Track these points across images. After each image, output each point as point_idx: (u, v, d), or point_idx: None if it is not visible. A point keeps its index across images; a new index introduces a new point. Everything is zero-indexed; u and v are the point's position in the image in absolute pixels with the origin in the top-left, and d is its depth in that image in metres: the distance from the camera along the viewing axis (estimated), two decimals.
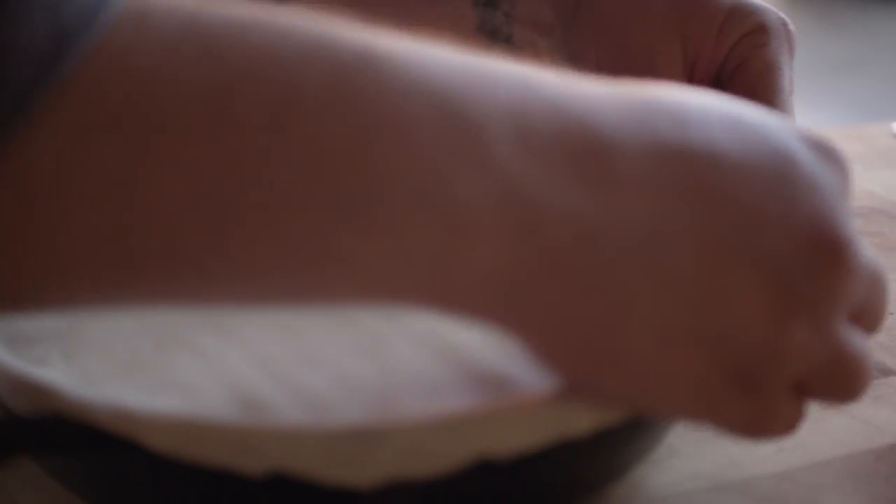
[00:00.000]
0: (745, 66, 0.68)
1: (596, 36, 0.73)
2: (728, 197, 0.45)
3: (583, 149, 0.43)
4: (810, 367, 0.46)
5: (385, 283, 0.42)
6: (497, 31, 0.74)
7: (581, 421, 0.47)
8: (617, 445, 0.51)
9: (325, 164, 0.40)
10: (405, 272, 0.42)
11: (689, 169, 0.45)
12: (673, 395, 0.46)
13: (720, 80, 0.70)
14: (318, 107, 0.40)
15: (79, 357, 0.52)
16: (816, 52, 4.22)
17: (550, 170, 0.42)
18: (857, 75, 4.72)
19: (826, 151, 0.48)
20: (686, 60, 0.70)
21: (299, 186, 0.39)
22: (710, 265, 0.44)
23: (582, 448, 0.48)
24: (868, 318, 0.49)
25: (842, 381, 0.48)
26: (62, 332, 0.54)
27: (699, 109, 0.46)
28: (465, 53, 0.44)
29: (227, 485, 0.45)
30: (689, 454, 0.57)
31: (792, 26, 0.71)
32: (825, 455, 0.57)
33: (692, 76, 0.70)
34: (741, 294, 0.45)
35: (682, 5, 0.70)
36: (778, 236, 0.45)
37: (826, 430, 0.59)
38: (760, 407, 0.46)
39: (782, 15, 0.71)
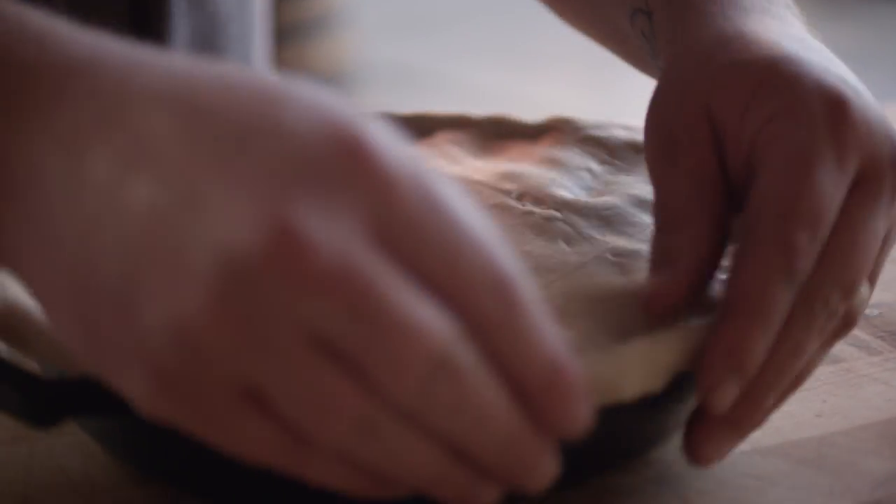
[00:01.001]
0: (764, 165, 0.52)
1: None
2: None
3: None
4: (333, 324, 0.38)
5: None
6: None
7: (626, 387, 0.48)
8: (657, 411, 0.52)
9: None
10: None
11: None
12: (80, 353, 0.42)
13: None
14: None
15: None
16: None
17: None
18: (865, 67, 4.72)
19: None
20: (715, 139, 0.54)
21: None
22: None
23: (627, 413, 0.49)
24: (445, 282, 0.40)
25: (378, 348, 0.39)
26: None
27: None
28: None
29: None
30: None
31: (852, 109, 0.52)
32: (863, 420, 0.58)
33: (723, 161, 0.54)
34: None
35: (707, 69, 0.56)
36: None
37: (863, 397, 0.60)
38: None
39: (832, 85, 0.52)
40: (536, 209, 0.63)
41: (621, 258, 0.57)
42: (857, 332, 0.59)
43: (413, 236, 0.39)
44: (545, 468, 0.43)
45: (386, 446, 0.40)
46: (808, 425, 0.57)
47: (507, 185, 0.66)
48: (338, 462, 0.41)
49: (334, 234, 0.38)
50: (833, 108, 0.51)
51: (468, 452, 0.41)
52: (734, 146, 0.53)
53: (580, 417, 0.42)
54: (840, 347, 0.60)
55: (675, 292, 0.50)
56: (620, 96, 2.84)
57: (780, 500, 0.52)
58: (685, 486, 0.53)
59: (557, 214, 0.62)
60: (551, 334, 0.41)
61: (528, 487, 0.43)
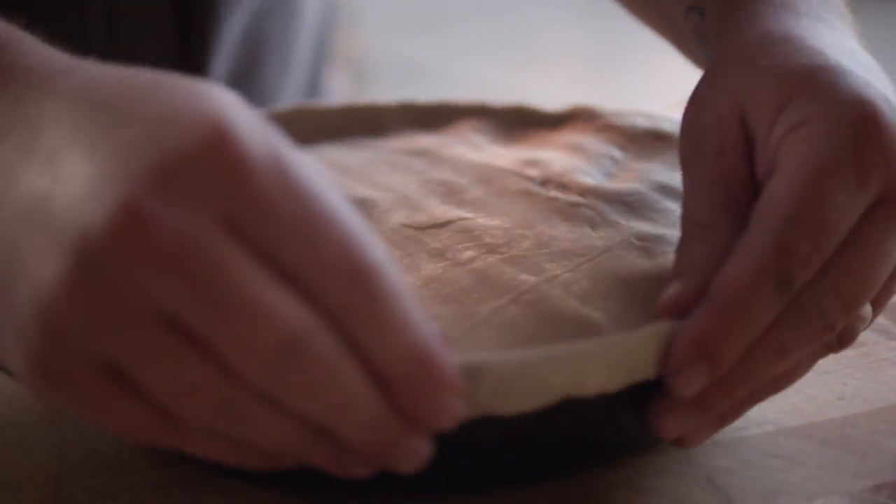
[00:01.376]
0: (780, 167, 0.50)
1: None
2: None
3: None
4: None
5: None
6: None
7: (653, 366, 0.48)
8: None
9: None
10: None
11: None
12: None
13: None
14: None
15: None
16: None
17: None
18: None
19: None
20: (747, 144, 0.53)
21: None
22: None
23: (653, 393, 0.50)
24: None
25: (226, 330, 0.39)
26: None
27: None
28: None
29: None
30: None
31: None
32: (884, 402, 0.59)
33: (752, 168, 0.53)
34: None
35: (747, 70, 0.54)
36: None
37: (884, 380, 0.61)
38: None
39: (869, 99, 0.50)
40: (561, 195, 0.64)
41: (646, 242, 0.58)
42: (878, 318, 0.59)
43: (267, 222, 0.40)
44: (414, 451, 0.43)
45: (251, 424, 0.41)
46: (831, 407, 0.58)
47: (531, 172, 0.67)
48: (213, 438, 0.42)
49: (182, 215, 0.39)
50: (864, 121, 0.49)
51: (332, 432, 0.42)
52: (763, 152, 0.51)
53: (447, 411, 0.42)
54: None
55: (688, 303, 0.49)
56: (632, 91, 2.85)
57: (805, 479, 0.53)
58: (711, 465, 0.53)
59: (582, 200, 0.63)
60: (417, 325, 0.41)
61: (399, 468, 0.44)
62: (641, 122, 0.71)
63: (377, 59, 4.06)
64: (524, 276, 0.55)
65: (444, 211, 0.63)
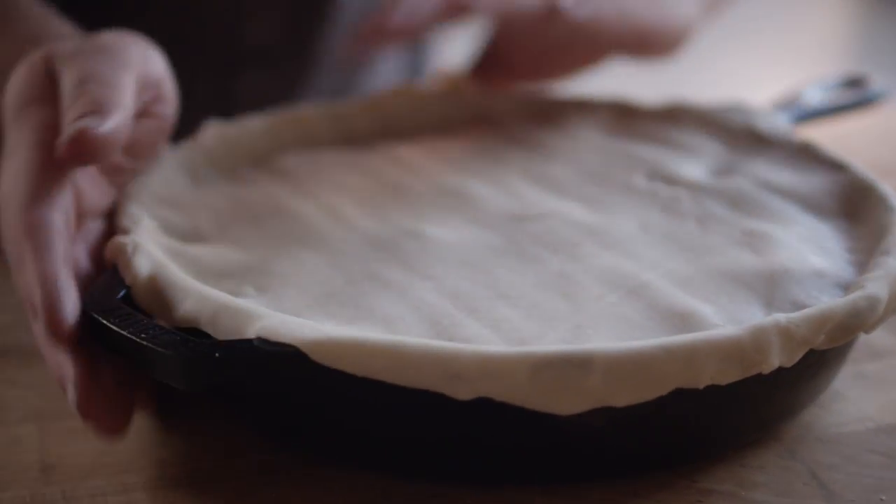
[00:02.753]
0: None
1: None
2: None
3: None
4: None
5: None
6: None
7: (765, 361, 0.49)
8: (788, 387, 0.53)
9: None
10: None
11: None
12: None
13: None
14: None
15: (272, 291, 0.55)
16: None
17: None
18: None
19: None
20: None
21: None
22: None
23: (759, 387, 0.51)
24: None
25: None
26: (250, 267, 0.57)
27: None
28: None
29: (438, 407, 0.48)
30: (855, 398, 0.58)
31: None
32: None
33: None
34: None
35: None
36: None
37: None
38: None
39: None
40: (665, 189, 0.64)
41: (752, 238, 0.59)
42: None
43: None
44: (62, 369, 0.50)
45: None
46: None
47: (635, 165, 0.67)
48: None
49: None
50: None
51: None
52: None
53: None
54: None
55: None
56: (722, 85, 2.83)
57: None
58: (814, 461, 0.54)
59: (687, 195, 0.64)
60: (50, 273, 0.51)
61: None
62: (739, 118, 0.72)
63: None
64: (631, 268, 0.56)
65: (547, 202, 0.63)
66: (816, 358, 0.52)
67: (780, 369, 0.50)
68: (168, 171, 0.65)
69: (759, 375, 0.49)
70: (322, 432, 0.52)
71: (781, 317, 0.49)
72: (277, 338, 0.48)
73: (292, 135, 0.73)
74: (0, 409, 0.59)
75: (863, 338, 0.58)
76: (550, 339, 0.50)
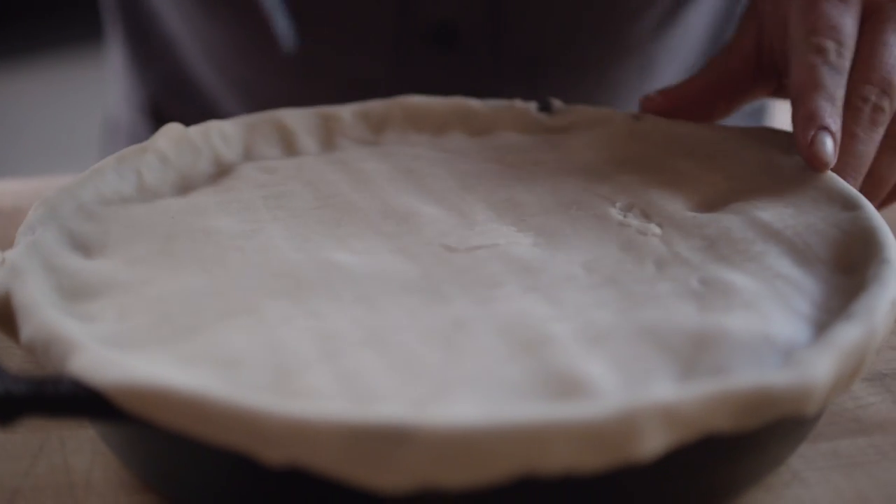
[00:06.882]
0: (789, 17, 0.66)
1: None
2: None
3: None
4: None
5: None
6: None
7: (647, 442, 0.41)
8: (696, 469, 0.45)
9: None
10: None
11: None
12: None
13: None
14: None
15: (133, 317, 0.49)
16: None
17: None
18: None
19: None
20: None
21: None
22: None
23: (645, 472, 0.43)
24: None
25: None
26: (127, 288, 0.51)
27: None
28: None
29: (248, 469, 0.42)
30: (815, 483, 0.50)
31: None
32: None
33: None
34: None
35: None
36: None
37: None
38: None
39: None
40: (637, 223, 0.56)
41: (707, 289, 0.50)
42: None
43: None
44: None
45: None
46: None
47: (616, 194, 0.59)
48: None
49: None
50: None
51: None
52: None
53: None
54: None
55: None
56: None
57: None
58: None
59: (657, 231, 0.56)
60: None
61: None
62: (756, 153, 0.62)
63: None
64: (542, 316, 0.48)
65: (494, 232, 0.56)
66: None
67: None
68: (111, 176, 0.60)
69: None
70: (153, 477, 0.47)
71: (668, 392, 0.41)
72: (88, 377, 0.42)
73: (265, 140, 0.67)
74: None
75: (852, 403, 0.50)
76: (401, 399, 0.43)
